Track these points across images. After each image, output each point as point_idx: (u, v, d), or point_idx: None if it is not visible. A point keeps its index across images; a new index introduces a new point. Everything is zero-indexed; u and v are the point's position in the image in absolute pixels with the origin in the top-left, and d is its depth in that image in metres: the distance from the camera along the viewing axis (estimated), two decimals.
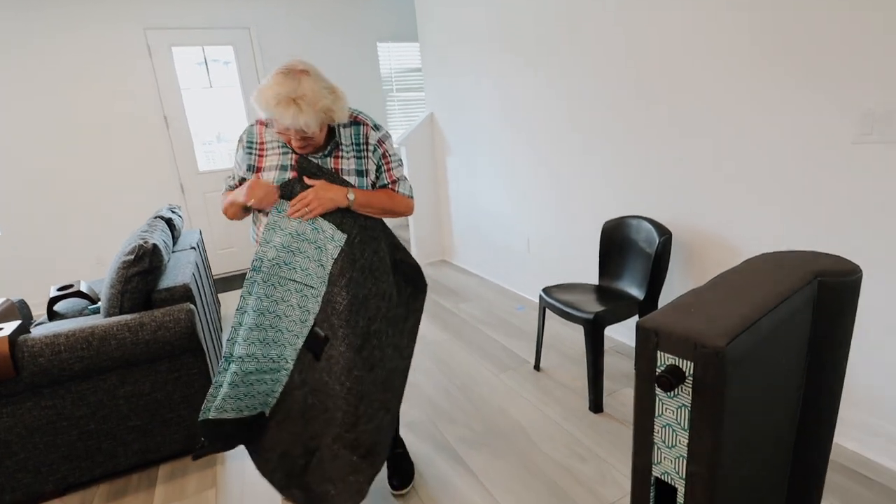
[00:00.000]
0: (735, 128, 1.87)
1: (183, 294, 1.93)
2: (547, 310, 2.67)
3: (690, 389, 0.73)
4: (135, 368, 1.77)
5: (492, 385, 2.32)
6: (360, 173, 1.46)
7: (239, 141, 1.49)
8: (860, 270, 0.94)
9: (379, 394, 1.48)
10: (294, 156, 1.42)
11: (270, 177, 1.42)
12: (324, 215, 1.41)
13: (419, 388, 2.36)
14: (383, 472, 1.79)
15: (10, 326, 1.66)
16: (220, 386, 1.44)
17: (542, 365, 2.46)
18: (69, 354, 1.64)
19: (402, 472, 1.74)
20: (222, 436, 1.49)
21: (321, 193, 1.38)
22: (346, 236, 1.41)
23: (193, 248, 2.66)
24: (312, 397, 1.48)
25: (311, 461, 1.48)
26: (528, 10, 2.76)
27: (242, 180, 1.51)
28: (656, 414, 0.78)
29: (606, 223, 2.36)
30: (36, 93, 3.69)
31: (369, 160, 1.47)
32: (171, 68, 4.08)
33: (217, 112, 4.34)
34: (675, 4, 1.98)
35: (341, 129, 1.44)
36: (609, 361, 2.45)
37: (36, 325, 2.20)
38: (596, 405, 2.04)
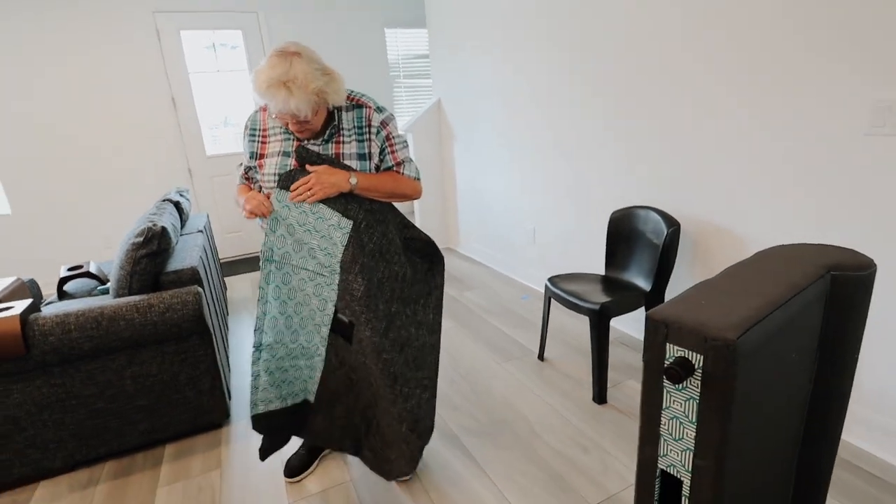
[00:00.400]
0: (747, 119, 1.84)
1: (191, 277, 1.94)
2: (552, 300, 2.66)
3: (699, 382, 0.72)
4: (142, 349, 1.79)
5: (496, 374, 2.33)
6: (363, 157, 1.41)
7: (245, 128, 1.48)
8: (874, 265, 0.92)
9: (412, 373, 1.53)
10: (296, 142, 1.40)
11: (273, 163, 1.40)
12: (328, 202, 1.38)
13: None
14: None
15: (21, 305, 1.67)
16: (258, 375, 1.50)
17: (546, 355, 2.46)
18: (79, 334, 1.66)
19: None
20: (275, 427, 1.57)
21: (323, 177, 1.34)
22: (352, 222, 1.40)
23: (201, 231, 2.67)
24: (355, 374, 1.54)
25: (371, 427, 1.57)
26: None
27: (248, 170, 1.51)
28: (664, 406, 0.78)
29: (614, 213, 2.34)
30: (44, 75, 3.69)
31: (372, 143, 1.42)
32: (180, 52, 4.06)
33: (224, 96, 4.33)
34: None
35: (343, 113, 1.40)
36: (614, 353, 2.44)
37: (46, 305, 2.22)
38: (600, 396, 2.04)
